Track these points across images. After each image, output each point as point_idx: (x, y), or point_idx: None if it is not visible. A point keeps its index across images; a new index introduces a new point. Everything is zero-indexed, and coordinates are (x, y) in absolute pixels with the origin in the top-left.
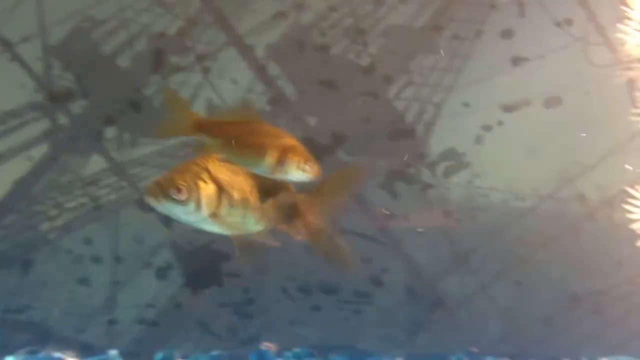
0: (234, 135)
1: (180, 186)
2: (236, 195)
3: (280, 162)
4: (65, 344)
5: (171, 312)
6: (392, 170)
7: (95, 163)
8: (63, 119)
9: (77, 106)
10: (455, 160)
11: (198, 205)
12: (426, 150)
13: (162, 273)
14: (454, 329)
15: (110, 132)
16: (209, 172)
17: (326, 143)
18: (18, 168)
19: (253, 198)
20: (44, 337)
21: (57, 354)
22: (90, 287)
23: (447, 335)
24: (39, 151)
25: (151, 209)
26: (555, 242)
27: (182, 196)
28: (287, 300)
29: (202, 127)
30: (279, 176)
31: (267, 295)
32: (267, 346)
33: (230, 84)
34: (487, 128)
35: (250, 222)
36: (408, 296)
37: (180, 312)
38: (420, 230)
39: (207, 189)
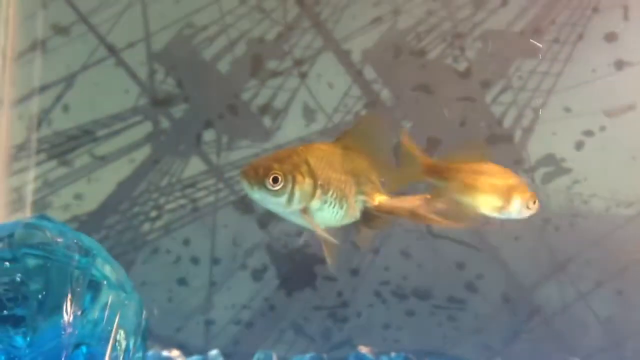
0: (465, 178)
1: (278, 176)
2: (332, 192)
3: (507, 201)
4: (165, 343)
5: (266, 313)
6: None
7: (194, 165)
8: (165, 123)
9: (178, 110)
10: (554, 165)
11: (291, 198)
12: (524, 156)
13: (257, 275)
14: (552, 338)
15: (208, 135)
16: (308, 164)
17: (422, 147)
18: (122, 170)
19: (351, 198)
20: None
21: (164, 353)
22: (188, 287)
23: (545, 345)
24: (141, 154)
25: (248, 211)
26: None
27: (277, 186)
28: (381, 304)
29: (433, 170)
30: (502, 215)
31: (361, 299)
32: (364, 350)
33: (327, 88)
34: (589, 133)
35: (340, 222)
36: (504, 303)
37: (275, 314)
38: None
39: (304, 183)
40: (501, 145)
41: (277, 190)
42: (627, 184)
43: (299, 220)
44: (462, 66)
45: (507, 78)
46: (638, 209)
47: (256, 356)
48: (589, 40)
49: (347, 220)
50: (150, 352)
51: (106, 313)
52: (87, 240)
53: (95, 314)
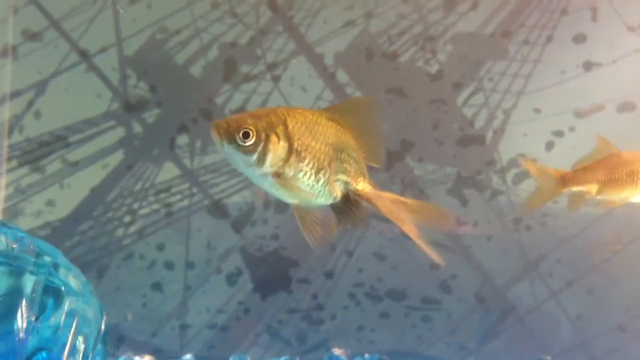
0: (604, 175)
1: (249, 131)
2: (308, 161)
3: None
4: (139, 348)
5: (241, 317)
6: (461, 177)
7: (168, 170)
8: (138, 128)
9: (151, 115)
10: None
11: (262, 159)
12: (496, 157)
13: (232, 278)
14: (525, 336)
15: (182, 140)
16: (286, 126)
17: (395, 149)
18: (95, 175)
19: (330, 172)
20: (119, 341)
21: (136, 358)
22: (162, 292)
23: (518, 343)
24: (114, 159)
25: (222, 215)
26: (628, 248)
27: (247, 142)
28: (355, 307)
29: (569, 180)
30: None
31: (336, 301)
32: (338, 352)
33: (300, 92)
34: (559, 134)
35: (316, 196)
36: (478, 303)
37: (250, 318)
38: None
39: (278, 145)
40: (473, 146)
41: (247, 147)
42: None
43: (273, 190)
44: (433, 69)
45: (478, 80)
46: (607, 209)
47: None
48: (558, 42)
49: (325, 199)
50: (122, 358)
51: (64, 318)
52: (45, 246)
53: (54, 319)
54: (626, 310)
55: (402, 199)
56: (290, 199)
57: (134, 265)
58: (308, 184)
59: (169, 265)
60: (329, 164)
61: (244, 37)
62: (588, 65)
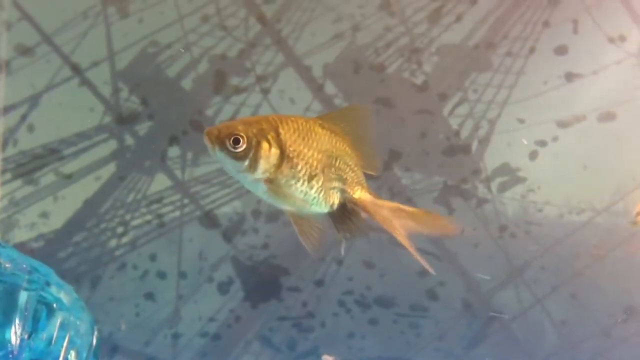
0: None
1: (239, 137)
2: (301, 167)
3: None
4: (133, 357)
5: (232, 325)
6: (447, 186)
7: (160, 181)
8: (129, 140)
9: (143, 127)
10: (510, 175)
11: (253, 166)
12: (481, 166)
13: (223, 287)
14: (511, 342)
15: (173, 151)
16: (277, 133)
17: (383, 159)
18: (88, 187)
19: (324, 179)
20: (112, 350)
21: None
22: (155, 302)
23: (504, 349)
24: (107, 171)
25: (213, 226)
26: (611, 255)
27: (238, 149)
28: (345, 314)
29: None
30: None
31: (326, 309)
32: (328, 358)
33: (289, 104)
34: (542, 143)
35: (310, 204)
36: (464, 310)
37: (241, 326)
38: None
39: (269, 151)
40: (459, 156)
41: (238, 153)
42: (579, 192)
43: (266, 197)
44: (419, 80)
45: (463, 91)
46: (590, 216)
47: None
48: (540, 54)
49: (320, 207)
50: None
51: (57, 333)
52: (37, 264)
53: (46, 334)
54: (610, 316)
55: (403, 207)
56: (284, 206)
57: (126, 276)
58: (302, 191)
59: (162, 275)
60: (323, 171)
61: (234, 50)
62: (570, 76)
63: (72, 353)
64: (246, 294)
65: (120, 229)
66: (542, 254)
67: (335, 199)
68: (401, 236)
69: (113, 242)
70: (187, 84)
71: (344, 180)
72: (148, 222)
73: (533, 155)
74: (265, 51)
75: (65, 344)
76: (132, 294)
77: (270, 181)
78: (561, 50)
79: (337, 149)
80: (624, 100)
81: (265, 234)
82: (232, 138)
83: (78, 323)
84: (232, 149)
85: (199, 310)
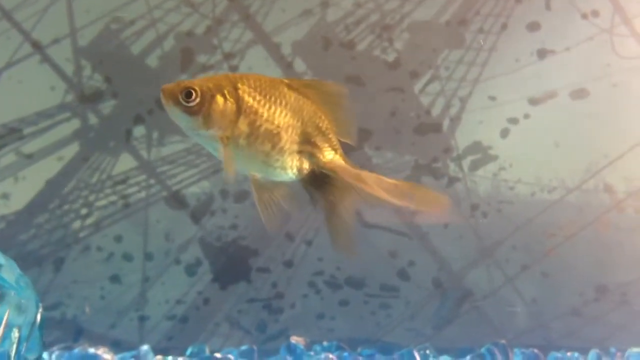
0: None
1: (192, 91)
2: (262, 125)
3: None
4: (97, 340)
5: (200, 307)
6: (418, 164)
7: (125, 162)
8: (93, 119)
9: (107, 106)
10: (481, 153)
11: (208, 120)
12: (453, 144)
13: (191, 269)
14: (482, 321)
15: (138, 131)
16: (236, 89)
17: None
18: (50, 168)
19: (287, 139)
20: (77, 333)
21: (91, 350)
22: (121, 284)
23: (475, 328)
24: (70, 151)
25: (180, 206)
26: (582, 233)
27: (191, 103)
28: (315, 295)
29: None
30: None
31: (295, 290)
32: (296, 340)
33: None
34: (514, 121)
35: (274, 167)
36: (435, 289)
37: (209, 308)
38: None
39: (225, 105)
40: (430, 134)
41: (191, 107)
42: (550, 170)
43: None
44: (390, 57)
45: (435, 68)
46: (561, 194)
47: (189, 350)
48: (513, 30)
49: (287, 172)
50: (77, 350)
51: None
52: None
53: None
54: (580, 295)
55: (391, 180)
56: (246, 170)
57: (91, 258)
58: (262, 151)
59: (127, 257)
60: (287, 131)
61: (201, 27)
62: (542, 53)
63: (15, 330)
64: (215, 276)
65: (84, 211)
66: (513, 233)
67: (304, 164)
68: (376, 191)
69: (77, 224)
70: (152, 61)
71: (312, 144)
72: (113, 203)
73: (504, 133)
74: (233, 28)
75: (4, 321)
76: (97, 277)
77: (227, 139)
78: (533, 27)
79: (304, 110)
80: (597, 77)
81: (234, 214)
82: (184, 92)
83: (20, 300)
84: (185, 103)
85: (166, 292)
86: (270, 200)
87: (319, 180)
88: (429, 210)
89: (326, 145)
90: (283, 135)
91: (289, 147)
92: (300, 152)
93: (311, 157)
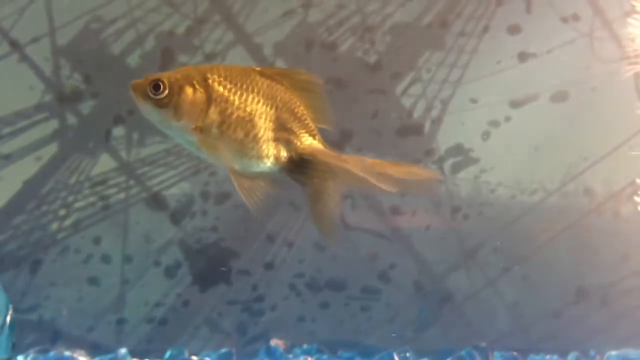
0: None
1: (160, 83)
2: (234, 113)
3: None
4: (75, 343)
5: (180, 310)
6: None
7: (104, 163)
8: (72, 119)
9: (86, 106)
10: (463, 155)
11: (178, 112)
12: (434, 146)
13: (170, 271)
14: (463, 324)
15: (118, 131)
16: (205, 79)
17: (334, 139)
18: (27, 168)
19: (261, 126)
20: (54, 336)
21: (67, 353)
22: (99, 287)
23: (456, 330)
24: (48, 151)
25: (160, 208)
26: (562, 236)
27: (159, 95)
28: (296, 297)
29: None
30: None
31: (276, 292)
32: (276, 343)
33: None
34: (495, 123)
35: (249, 156)
36: (416, 292)
37: (189, 311)
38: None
39: (192, 95)
40: (412, 136)
41: (160, 100)
42: (530, 173)
43: (199, 151)
44: (372, 59)
45: (416, 70)
46: (541, 197)
47: (168, 353)
48: (494, 33)
49: (264, 161)
50: (52, 353)
51: None
52: None
53: None
54: (560, 297)
55: (372, 160)
56: (222, 161)
57: (69, 260)
58: (235, 139)
59: (106, 259)
60: (261, 118)
61: (181, 27)
62: (523, 56)
63: None
64: (194, 278)
65: (62, 212)
66: (494, 235)
67: (282, 152)
68: (354, 168)
69: (55, 225)
70: (132, 61)
71: (288, 130)
72: (92, 204)
73: (486, 135)
74: (215, 28)
75: None
76: (75, 279)
77: (200, 130)
78: (514, 30)
79: (279, 98)
80: (577, 80)
81: (215, 216)
82: (152, 84)
83: None
84: (154, 96)
85: (145, 294)
86: (251, 184)
87: (299, 169)
88: (415, 182)
89: (303, 130)
90: (257, 121)
91: (264, 134)
92: (276, 139)
93: (288, 143)
